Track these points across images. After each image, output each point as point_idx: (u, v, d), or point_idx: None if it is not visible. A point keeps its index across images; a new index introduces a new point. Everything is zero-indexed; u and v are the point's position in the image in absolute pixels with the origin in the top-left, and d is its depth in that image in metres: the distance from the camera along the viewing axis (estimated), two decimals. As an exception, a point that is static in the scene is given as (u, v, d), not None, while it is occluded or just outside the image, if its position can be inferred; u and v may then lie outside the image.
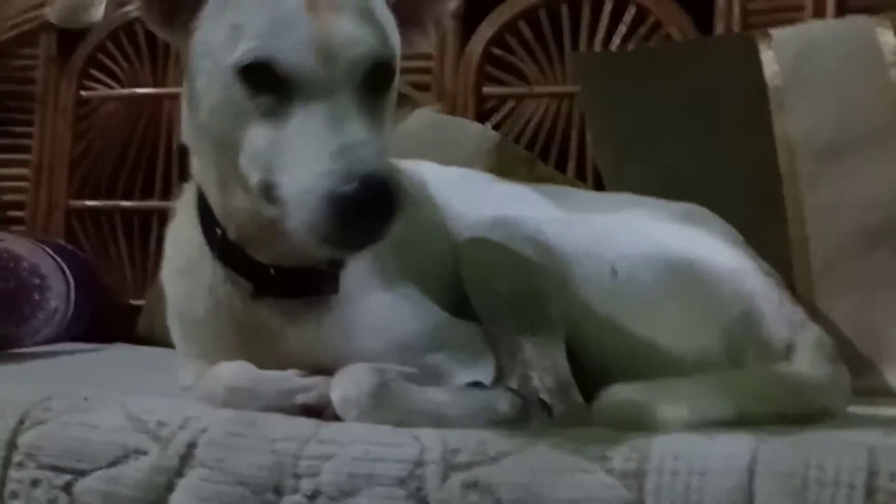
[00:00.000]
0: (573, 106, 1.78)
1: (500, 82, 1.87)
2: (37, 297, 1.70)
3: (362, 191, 0.81)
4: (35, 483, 0.94)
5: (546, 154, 1.80)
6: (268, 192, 0.88)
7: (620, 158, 1.48)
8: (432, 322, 1.08)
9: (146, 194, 2.05)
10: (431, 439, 0.85)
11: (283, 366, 1.00)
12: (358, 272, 1.05)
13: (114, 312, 1.95)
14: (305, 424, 0.91)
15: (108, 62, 2.10)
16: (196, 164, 1.02)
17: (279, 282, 1.01)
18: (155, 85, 2.06)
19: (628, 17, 1.79)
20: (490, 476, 0.81)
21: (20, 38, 2.14)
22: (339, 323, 1.03)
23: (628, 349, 1.07)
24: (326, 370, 0.99)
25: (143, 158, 2.06)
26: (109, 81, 2.11)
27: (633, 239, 1.14)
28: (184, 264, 1.07)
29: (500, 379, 1.03)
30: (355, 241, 0.87)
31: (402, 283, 1.09)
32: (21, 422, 0.97)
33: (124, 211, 2.06)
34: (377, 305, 1.06)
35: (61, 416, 0.97)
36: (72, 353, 1.68)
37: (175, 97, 1.97)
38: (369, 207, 0.82)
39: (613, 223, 1.18)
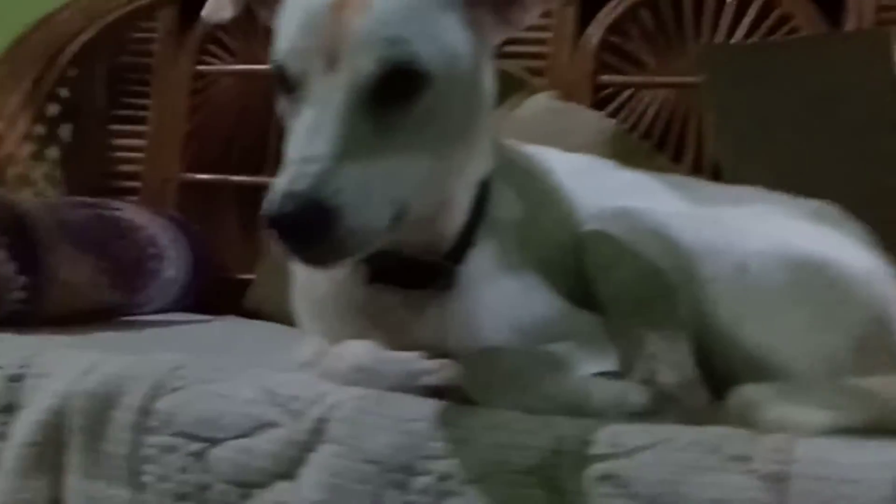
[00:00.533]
0: (693, 97, 1.74)
1: (617, 70, 1.84)
2: (153, 266, 1.73)
3: (276, 207, 0.80)
4: (169, 449, 0.96)
5: (662, 145, 1.76)
6: None
7: (741, 152, 1.45)
8: (556, 311, 1.08)
9: (257, 170, 2.07)
10: (565, 428, 0.85)
11: (404, 350, 1.01)
12: (482, 260, 1.05)
13: (221, 286, 1.98)
14: (437, 407, 0.91)
15: (226, 38, 2.13)
16: None
17: (395, 271, 1.02)
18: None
19: (754, 8, 1.74)
20: (626, 470, 0.80)
21: (139, 11, 2.17)
22: (463, 310, 1.03)
23: (755, 349, 1.04)
24: (448, 356, 1.00)
25: (256, 134, 2.08)
26: (226, 57, 2.13)
27: (762, 236, 1.11)
28: None
29: (623, 372, 1.02)
30: (298, 255, 0.85)
31: (526, 271, 1.08)
32: (155, 388, 0.99)
33: (235, 186, 2.08)
34: (501, 293, 1.05)
35: (195, 385, 0.99)
36: (185, 323, 1.72)
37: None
38: (284, 226, 0.81)
39: (742, 219, 1.16)
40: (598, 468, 0.81)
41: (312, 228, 0.81)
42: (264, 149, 2.06)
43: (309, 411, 0.93)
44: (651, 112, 1.79)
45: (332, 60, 0.86)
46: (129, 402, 0.99)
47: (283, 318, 1.75)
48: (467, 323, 1.04)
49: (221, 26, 2.11)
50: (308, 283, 1.10)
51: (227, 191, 2.08)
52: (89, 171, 2.15)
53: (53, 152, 2.15)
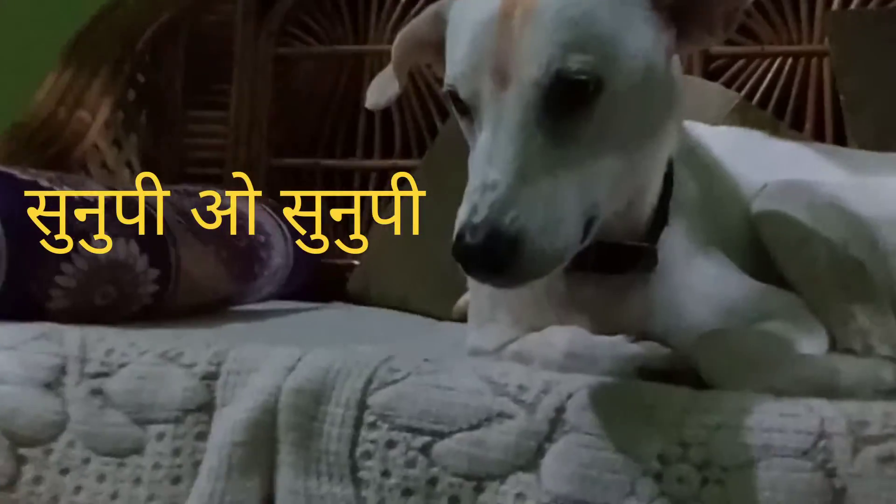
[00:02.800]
0: (811, 65, 1.72)
1: (727, 41, 1.80)
2: (263, 254, 1.70)
3: (463, 241, 0.79)
4: (391, 444, 0.93)
5: (780, 115, 1.74)
6: None
7: (883, 125, 1.41)
8: (755, 290, 1.06)
9: (347, 153, 2.04)
10: (829, 410, 0.82)
11: (605, 335, 0.98)
12: (675, 240, 1.03)
13: (319, 271, 1.94)
14: (682, 392, 0.89)
15: (307, 19, 2.08)
16: None
17: (597, 257, 0.99)
18: (356, 42, 2.04)
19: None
20: (910, 451, 0.78)
21: (216, -7, 2.13)
22: (665, 292, 1.01)
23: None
24: (650, 338, 0.98)
25: (343, 116, 2.04)
26: (307, 38, 2.09)
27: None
28: None
29: (833, 348, 1.00)
30: (488, 283, 0.84)
31: (714, 249, 1.06)
32: (369, 382, 0.96)
33: (325, 169, 2.05)
34: (699, 273, 1.03)
35: (410, 378, 0.96)
36: (300, 311, 1.69)
37: (376, 54, 1.96)
38: (468, 258, 0.80)
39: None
40: (876, 450, 0.79)
41: (497, 258, 0.79)
42: (353, 131, 2.03)
43: (543, 401, 0.90)
44: (766, 83, 1.76)
45: (502, 78, 0.83)
46: (343, 396, 0.96)
47: (391, 303, 1.74)
48: (671, 304, 1.01)
49: (302, 7, 2.08)
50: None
51: (317, 175, 2.05)
52: (169, 157, 2.11)
53: (133, 139, 2.11)
